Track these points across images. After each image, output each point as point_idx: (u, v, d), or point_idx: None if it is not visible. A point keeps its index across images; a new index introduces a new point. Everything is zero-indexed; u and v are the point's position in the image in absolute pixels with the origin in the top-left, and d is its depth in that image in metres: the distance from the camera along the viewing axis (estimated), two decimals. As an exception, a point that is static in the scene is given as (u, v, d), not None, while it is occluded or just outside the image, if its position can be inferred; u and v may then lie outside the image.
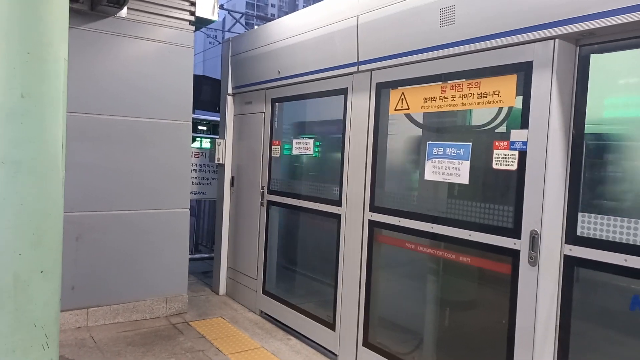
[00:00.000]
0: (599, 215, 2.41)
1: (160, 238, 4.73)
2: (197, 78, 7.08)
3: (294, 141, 4.59)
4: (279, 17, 4.75)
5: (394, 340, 3.61)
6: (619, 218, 2.34)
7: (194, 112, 6.68)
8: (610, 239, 2.35)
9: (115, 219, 4.49)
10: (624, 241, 2.30)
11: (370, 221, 3.63)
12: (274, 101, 4.83)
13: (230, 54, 5.46)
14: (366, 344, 3.66)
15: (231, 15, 20.15)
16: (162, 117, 4.70)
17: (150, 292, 4.69)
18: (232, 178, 5.51)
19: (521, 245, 2.64)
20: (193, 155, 6.09)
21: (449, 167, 3.06)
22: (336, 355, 3.93)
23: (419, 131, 3.48)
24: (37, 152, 2.89)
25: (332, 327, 3.98)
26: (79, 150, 4.26)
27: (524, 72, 2.66)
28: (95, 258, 4.40)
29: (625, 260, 2.28)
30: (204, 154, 6.21)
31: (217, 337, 4.28)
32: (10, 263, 2.82)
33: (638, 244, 2.25)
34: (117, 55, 4.46)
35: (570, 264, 2.52)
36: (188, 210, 4.89)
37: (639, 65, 2.40)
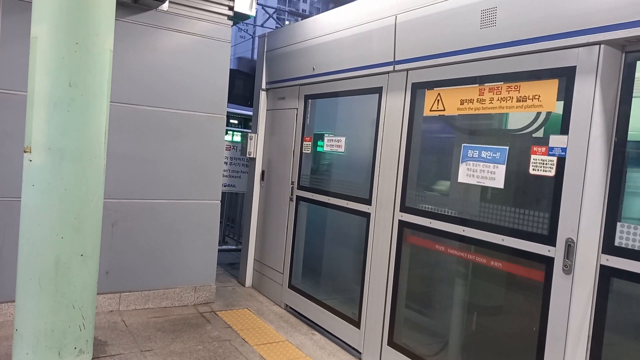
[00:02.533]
0: (639, 226, 2.36)
1: (191, 228, 4.83)
2: (230, 72, 7.17)
3: (326, 138, 4.62)
4: (310, 13, 4.79)
5: (419, 342, 3.61)
6: (660, 230, 2.28)
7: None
8: (650, 251, 2.30)
9: (148, 207, 4.62)
10: (664, 254, 2.25)
11: (400, 221, 3.63)
12: (307, 98, 4.86)
13: (265, 49, 5.51)
14: (391, 343, 3.67)
15: (265, 10, 20.27)
16: (197, 110, 4.79)
17: (179, 281, 4.81)
18: (263, 172, 5.58)
19: (556, 252, 2.60)
20: (225, 149, 6.18)
21: (483, 170, 3.04)
22: (360, 352, 3.96)
23: (453, 133, 3.45)
24: (81, 140, 3.01)
25: (357, 324, 4.01)
26: (117, 140, 4.39)
27: (566, 77, 2.61)
28: (129, 244, 4.53)
29: (665, 273, 2.23)
30: (234, 147, 6.30)
31: (243, 328, 4.35)
32: (53, 246, 2.95)
33: (680, 257, 2.20)
34: (156, 47, 4.56)
35: (606, 274, 2.47)
36: (219, 202, 4.98)
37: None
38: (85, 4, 2.98)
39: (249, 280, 5.67)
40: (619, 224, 2.44)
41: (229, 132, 6.96)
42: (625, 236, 2.41)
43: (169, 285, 4.75)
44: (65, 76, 2.93)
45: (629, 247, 2.38)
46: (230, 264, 6.50)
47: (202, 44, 4.78)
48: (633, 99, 2.44)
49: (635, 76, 2.45)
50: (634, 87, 2.45)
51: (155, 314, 4.50)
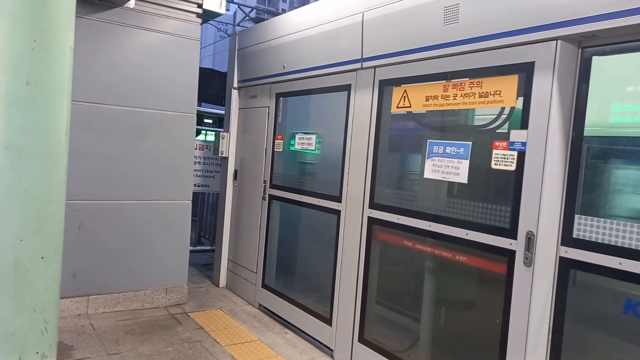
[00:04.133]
0: (595, 218, 2.41)
1: (161, 229, 4.77)
2: (204, 71, 7.10)
3: (297, 136, 4.61)
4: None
5: (389, 338, 3.63)
6: (614, 221, 2.33)
7: (200, 105, 6.71)
8: (606, 242, 2.35)
9: (117, 208, 4.54)
10: (619, 244, 2.30)
11: (369, 218, 3.65)
12: (278, 96, 4.85)
13: (236, 48, 5.48)
14: (362, 340, 3.67)
15: (241, 9, 20.17)
16: (166, 109, 4.73)
17: (150, 282, 4.74)
18: (235, 171, 5.54)
19: (517, 245, 2.64)
20: (197, 148, 6.12)
21: (448, 166, 3.06)
22: (332, 350, 3.96)
23: (420, 129, 3.48)
24: (41, 139, 2.93)
25: (328, 322, 4.01)
26: (83, 139, 4.30)
27: (525, 72, 2.65)
28: (97, 246, 4.45)
29: (620, 263, 2.28)
30: (208, 147, 6.24)
31: (215, 329, 4.31)
32: (12, 248, 2.86)
33: (633, 247, 2.25)
34: (123, 45, 4.49)
35: (565, 266, 2.52)
36: (190, 202, 4.92)
37: (641, 68, 2.39)
38: (44, 0, 2.91)
39: (222, 281, 5.62)
40: (576, 216, 2.49)
41: (202, 131, 6.89)
42: (583, 228, 2.46)
43: (139, 287, 4.68)
44: (23, 74, 2.85)
45: (587, 238, 2.43)
46: (205, 264, 6.44)
47: (171, 42, 4.72)
48: (589, 93, 2.49)
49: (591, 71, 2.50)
50: (591, 83, 2.49)
51: (125, 317, 4.42)
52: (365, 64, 3.70)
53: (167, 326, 4.30)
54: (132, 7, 4.48)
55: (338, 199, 3.95)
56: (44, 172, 2.96)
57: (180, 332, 4.19)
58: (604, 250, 2.35)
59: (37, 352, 3.00)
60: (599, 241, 2.38)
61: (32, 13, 2.88)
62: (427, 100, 3.23)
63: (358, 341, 3.70)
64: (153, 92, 4.65)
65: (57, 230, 3.09)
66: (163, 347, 3.84)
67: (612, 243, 2.32)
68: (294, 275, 4.97)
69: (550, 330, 2.57)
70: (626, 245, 2.28)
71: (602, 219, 2.39)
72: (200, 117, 7.28)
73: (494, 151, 2.78)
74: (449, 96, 3.09)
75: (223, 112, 6.15)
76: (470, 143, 2.95)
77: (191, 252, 5.72)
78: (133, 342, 3.89)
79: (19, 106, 2.85)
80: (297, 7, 4.60)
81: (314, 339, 4.17)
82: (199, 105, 6.16)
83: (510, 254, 2.67)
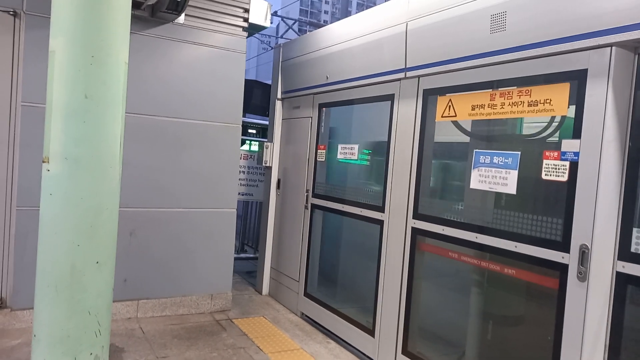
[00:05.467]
0: (656, 232, 2.28)
1: (207, 237, 4.89)
2: (248, 82, 7.27)
3: (340, 146, 4.63)
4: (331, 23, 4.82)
5: (433, 351, 3.55)
6: (677, 235, 2.20)
7: (244, 116, 6.86)
8: (668, 258, 2.22)
9: (165, 216, 4.69)
10: (682, 260, 2.17)
11: (413, 228, 3.60)
12: (321, 106, 4.89)
13: (280, 60, 5.58)
14: (405, 352, 3.62)
15: (284, 22, 20.52)
16: (212, 120, 4.86)
17: (196, 289, 4.86)
18: (279, 181, 5.61)
19: (570, 259, 2.53)
20: (242, 158, 6.25)
21: (495, 176, 2.99)
22: (374, 361, 3.92)
23: (466, 139, 3.42)
24: (97, 149, 3.08)
25: (371, 333, 3.97)
26: (134, 150, 4.48)
27: (577, 80, 2.56)
28: (146, 253, 4.61)
29: (684, 280, 2.15)
30: (252, 157, 6.36)
31: (258, 336, 4.36)
32: (68, 253, 3.02)
33: (699, 264, 2.11)
34: (172, 59, 4.66)
35: (622, 282, 2.40)
36: (235, 210, 5.02)
37: None
38: (100, 18, 3.07)
39: (265, 289, 5.68)
40: (635, 229, 2.36)
41: (246, 141, 7.04)
42: (641, 242, 2.33)
43: (185, 293, 4.80)
44: (81, 88, 3.02)
45: (646, 253, 2.31)
46: (248, 272, 6.54)
47: (217, 55, 4.86)
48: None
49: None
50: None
51: (172, 322, 4.55)
52: (409, 74, 3.68)
53: (212, 332, 4.38)
54: (181, 22, 4.66)
55: (381, 209, 3.93)
56: (99, 181, 3.11)
57: (224, 338, 4.26)
58: (665, 266, 2.22)
59: (91, 354, 3.13)
60: (660, 256, 2.25)
61: (90, 29, 3.04)
62: (472, 109, 3.17)
63: (402, 353, 3.64)
64: (199, 104, 4.79)
65: (111, 237, 3.23)
66: (208, 352, 3.92)
67: (675, 259, 2.19)
68: (336, 284, 4.96)
69: (607, 349, 2.44)
70: (691, 262, 2.14)
71: (663, 233, 2.26)
72: (245, 127, 7.43)
73: (545, 161, 2.69)
74: (496, 105, 3.02)
75: (267, 122, 6.26)
76: (519, 153, 2.87)
77: (235, 259, 5.82)
78: (180, 347, 3.99)
79: (77, 118, 3.02)
80: (338, 19, 4.64)
81: (357, 349, 4.14)
82: (244, 116, 6.30)
83: (563, 268, 2.57)
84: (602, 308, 2.44)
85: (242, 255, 7.28)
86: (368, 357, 4.00)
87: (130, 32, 3.27)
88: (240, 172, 6.15)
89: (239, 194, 6.21)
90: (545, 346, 2.64)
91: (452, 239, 3.28)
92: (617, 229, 2.43)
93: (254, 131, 7.92)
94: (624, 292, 2.40)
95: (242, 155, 6.24)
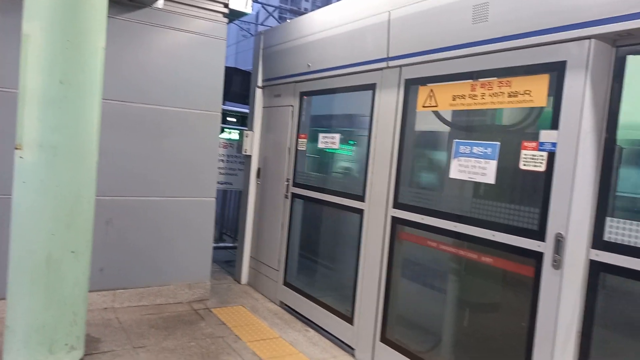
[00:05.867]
0: (628, 221, 2.35)
1: (185, 226, 4.84)
2: (228, 70, 7.17)
3: (321, 135, 4.62)
4: (312, 11, 4.78)
5: (411, 338, 3.61)
6: (649, 225, 2.28)
7: (224, 104, 6.77)
8: (639, 245, 2.29)
9: (143, 204, 4.62)
10: (653, 249, 2.24)
11: (393, 217, 3.63)
12: (302, 95, 4.86)
13: (261, 47, 5.51)
14: (384, 339, 3.66)
15: (265, 8, 20.27)
16: (192, 107, 4.79)
17: (174, 278, 4.81)
18: (259, 170, 5.58)
19: (545, 247, 2.60)
20: (221, 146, 6.18)
21: (475, 166, 3.03)
22: (353, 349, 3.96)
23: (446, 129, 3.45)
24: (74, 137, 3.01)
25: (350, 321, 4.01)
26: (111, 137, 4.39)
27: (556, 72, 2.60)
28: (123, 242, 4.54)
29: (654, 268, 2.22)
30: (232, 145, 6.30)
31: (236, 325, 4.36)
32: (45, 242, 2.95)
33: (668, 252, 2.19)
34: (150, 44, 4.56)
35: (595, 269, 2.47)
36: (214, 199, 4.98)
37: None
38: (77, 2, 2.98)
39: (244, 278, 5.67)
40: (608, 219, 2.43)
41: (226, 130, 6.96)
42: (614, 231, 2.40)
43: (163, 282, 4.75)
44: (57, 74, 2.93)
45: (619, 242, 2.38)
46: (227, 261, 6.51)
47: (197, 41, 4.78)
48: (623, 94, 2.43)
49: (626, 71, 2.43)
50: (625, 82, 2.43)
51: (149, 311, 4.50)
52: (391, 63, 3.68)
53: (191, 321, 4.36)
54: (160, 7, 4.55)
55: (361, 198, 3.94)
56: (76, 169, 3.04)
57: (203, 327, 4.25)
58: (636, 254, 2.29)
59: (66, 344, 3.08)
60: (632, 244, 2.32)
61: (66, 15, 2.95)
62: (454, 99, 3.20)
63: (380, 341, 3.69)
64: (179, 91, 4.71)
65: (87, 226, 3.16)
66: (186, 342, 3.90)
67: (646, 247, 2.27)
68: (316, 273, 4.98)
69: (579, 335, 2.52)
70: (661, 250, 2.22)
71: (634, 222, 2.33)
72: (224, 115, 7.35)
73: (523, 151, 2.74)
74: (476, 95, 3.05)
75: (247, 110, 6.20)
76: (499, 143, 2.91)
77: (213, 248, 5.78)
78: (157, 336, 3.96)
79: (52, 105, 2.93)
80: (319, 7, 4.61)
81: (336, 337, 4.18)
82: (223, 103, 6.22)
83: (538, 256, 2.63)
84: (575, 295, 2.52)
85: (221, 244, 7.24)
86: (347, 344, 4.04)
87: (108, 17, 3.18)
88: (219, 160, 6.09)
89: (218, 182, 6.16)
90: (520, 332, 2.71)
91: (431, 228, 3.32)
92: (591, 218, 2.49)
93: (234, 119, 7.84)
94: (597, 279, 2.48)
95: (222, 143, 6.17)
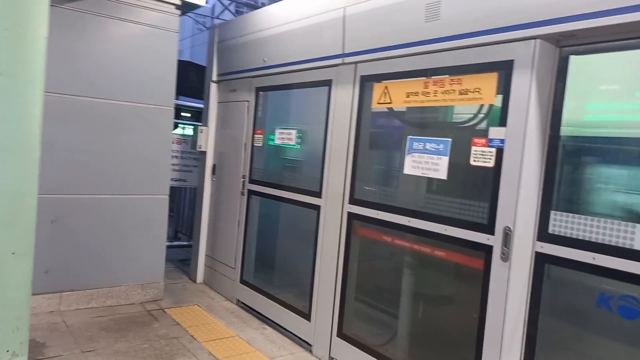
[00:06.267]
0: (570, 214, 2.46)
1: (138, 224, 4.68)
2: (182, 64, 7.00)
3: (277, 131, 4.58)
4: (268, 5, 4.74)
5: (368, 332, 3.65)
6: (588, 217, 2.39)
7: (177, 99, 6.60)
8: (580, 237, 2.41)
9: (92, 202, 4.44)
10: (592, 240, 2.36)
11: (349, 213, 3.65)
12: (258, 90, 4.80)
13: (216, 41, 5.40)
14: (340, 334, 3.69)
15: (220, 1, 19.91)
16: (144, 102, 4.64)
17: (126, 278, 4.65)
18: (214, 166, 5.48)
19: (494, 241, 2.68)
20: (175, 142, 6.03)
21: (428, 162, 3.09)
22: (310, 345, 3.96)
23: (401, 126, 3.50)
24: (13, 130, 2.84)
25: (307, 317, 4.01)
26: (59, 132, 4.19)
27: (505, 70, 2.69)
28: (71, 242, 4.34)
29: (594, 258, 2.34)
30: (186, 141, 6.15)
31: (192, 325, 4.27)
32: (-19, 243, 2.77)
33: (606, 242, 2.31)
34: (99, 36, 4.38)
35: (541, 261, 2.57)
36: (167, 196, 4.85)
37: (618, 68, 2.44)
38: (15, -13, 2.81)
39: (200, 277, 5.56)
40: (552, 212, 2.54)
41: (180, 125, 6.79)
42: (558, 224, 2.51)
43: (114, 283, 4.59)
44: (-6, 63, 2.75)
45: (562, 234, 2.48)
46: (182, 260, 6.36)
47: (149, 33, 4.63)
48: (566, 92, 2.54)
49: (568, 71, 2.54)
50: (567, 82, 2.54)
51: (99, 313, 4.33)
52: (347, 60, 3.69)
53: (143, 322, 4.23)
54: (108, -4, 4.37)
55: (318, 195, 3.95)
56: (16, 165, 2.87)
57: (156, 328, 4.13)
58: (578, 246, 2.41)
59: (8, 351, 2.92)
60: (574, 237, 2.43)
61: (3, 1, 2.78)
62: (407, 96, 3.25)
63: (337, 336, 3.71)
64: (130, 85, 4.55)
65: (29, 226, 3.00)
66: (139, 344, 3.78)
67: (586, 238, 2.38)
68: (273, 270, 4.95)
69: (526, 323, 2.62)
70: (599, 241, 2.33)
71: (576, 215, 2.44)
72: (178, 110, 7.17)
73: (473, 148, 2.82)
74: (429, 93, 3.11)
75: (201, 105, 6.07)
76: (450, 140, 2.98)
77: (168, 247, 5.64)
78: (108, 339, 3.82)
79: (-11, 96, 2.75)
80: (276, 1, 4.56)
81: (293, 334, 4.17)
82: (177, 98, 6.06)
83: (488, 250, 2.71)
84: (522, 286, 2.62)
85: (176, 242, 7.07)
86: (304, 341, 4.04)
87: (54, 6, 3.03)
88: (173, 157, 5.93)
89: (172, 179, 6.00)
90: (471, 323, 2.79)
91: (386, 223, 3.36)
92: (537, 211, 2.60)
93: (188, 115, 7.66)
94: (542, 270, 2.58)
95: (175, 139, 6.01)
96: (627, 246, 2.24)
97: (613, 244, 2.29)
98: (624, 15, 2.19)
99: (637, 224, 2.23)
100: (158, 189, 4.78)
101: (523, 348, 2.63)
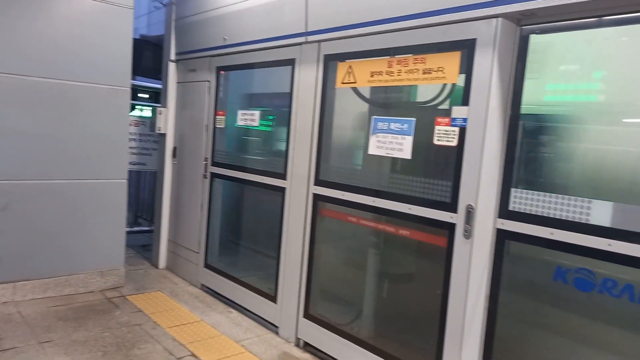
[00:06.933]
0: (529, 191, 2.52)
1: (96, 209, 4.51)
2: (138, 42, 6.72)
3: (240, 112, 4.48)
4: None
5: (334, 311, 3.67)
6: (547, 194, 2.46)
7: (134, 79, 6.35)
8: (539, 214, 2.47)
9: (47, 188, 4.23)
10: (550, 215, 2.43)
11: (314, 194, 3.63)
12: (219, 69, 4.67)
13: (173, 18, 5.20)
14: (307, 315, 3.70)
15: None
16: (98, 82, 4.43)
17: (84, 266, 4.49)
18: (174, 149, 5.32)
19: (457, 219, 2.72)
20: (132, 124, 5.82)
21: (392, 142, 3.09)
22: (277, 327, 3.96)
23: (365, 106, 3.48)
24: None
25: (273, 299, 3.99)
26: (7, 115, 3.95)
27: (467, 49, 2.70)
28: (25, 229, 4.14)
29: (551, 233, 2.41)
30: (144, 123, 5.94)
31: (155, 311, 4.18)
32: None
33: (563, 218, 2.38)
34: (48, 12, 4.12)
35: (501, 237, 2.64)
36: (126, 180, 4.68)
37: (577, 47, 2.49)
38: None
39: (162, 262, 5.44)
40: (512, 189, 2.59)
41: (137, 106, 6.55)
42: (518, 201, 2.57)
43: (72, 271, 4.42)
44: None
45: (521, 211, 2.55)
46: (143, 245, 6.21)
47: (101, 9, 4.39)
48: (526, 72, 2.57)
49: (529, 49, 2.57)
50: (527, 61, 2.57)
51: (57, 303, 4.18)
52: (310, 38, 3.63)
53: (104, 310, 4.11)
54: (55, -32, 4.11)
55: (283, 176, 3.90)
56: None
57: (117, 316, 4.02)
58: (537, 222, 2.47)
59: (-43, 344, 2.77)
60: (533, 213, 2.50)
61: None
62: (372, 76, 3.23)
63: (303, 317, 3.72)
64: (83, 64, 4.32)
65: (-24, 212, 2.83)
66: (99, 332, 3.67)
67: (545, 214, 2.45)
68: (238, 253, 4.90)
69: (487, 298, 2.69)
70: (557, 216, 2.40)
71: (535, 192, 2.51)
72: (135, 91, 6.91)
73: (437, 127, 2.83)
74: (393, 72, 3.09)
75: (159, 86, 5.86)
76: (414, 119, 2.99)
77: (128, 233, 5.48)
78: (66, 329, 3.69)
79: None
80: (237, -23, 4.40)
81: (259, 316, 4.15)
82: (133, 78, 5.82)
83: (451, 227, 2.75)
84: (484, 262, 2.68)
85: (136, 228, 6.89)
86: (270, 323, 4.03)
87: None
88: (131, 139, 5.73)
89: (131, 163, 5.81)
90: (435, 299, 2.85)
91: (351, 204, 3.36)
92: (498, 189, 2.65)
93: (146, 95, 7.39)
94: (502, 246, 2.65)
95: (133, 121, 5.80)
96: (584, 221, 2.31)
97: (570, 219, 2.36)
98: (582, -6, 2.22)
99: (592, 200, 2.30)
100: (116, 173, 4.60)
101: (484, 322, 2.70)
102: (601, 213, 2.28)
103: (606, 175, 2.42)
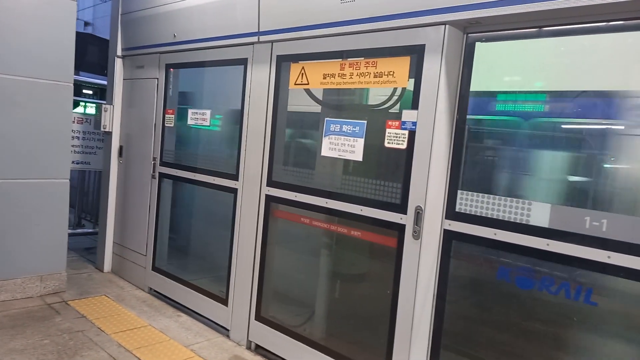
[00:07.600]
0: (475, 193, 2.62)
1: (35, 210, 4.28)
2: (82, 37, 6.44)
3: (190, 111, 4.38)
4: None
5: (286, 313, 3.66)
6: (491, 195, 2.56)
7: (78, 74, 6.08)
8: (484, 215, 2.57)
9: (-22, 188, 3.97)
10: (494, 217, 2.53)
11: (267, 196, 3.61)
12: (168, 67, 4.55)
13: (120, 12, 5.01)
14: (259, 317, 3.66)
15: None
16: (38, 77, 4.20)
17: (21, 270, 4.25)
18: (121, 147, 5.13)
19: (407, 220, 2.78)
20: (76, 122, 5.56)
21: (344, 144, 3.12)
22: (228, 330, 3.90)
23: (318, 107, 3.49)
24: None
25: (224, 302, 3.93)
26: None
27: (417, 54, 2.76)
28: (-48, 232, 3.87)
29: (495, 234, 2.51)
30: (88, 121, 5.69)
31: (99, 317, 4.01)
32: None
33: (506, 219, 2.49)
34: (-20, 0, 3.86)
35: (448, 238, 2.72)
36: (68, 180, 4.46)
37: (519, 57, 2.61)
38: None
39: (107, 265, 5.24)
40: (459, 191, 2.68)
41: (81, 103, 6.27)
42: (464, 202, 2.66)
43: (7, 276, 4.17)
44: None
45: (467, 212, 2.64)
46: (87, 248, 5.95)
47: (43, 1, 4.16)
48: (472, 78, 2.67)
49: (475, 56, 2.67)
50: (473, 68, 2.67)
51: (-9, 310, 3.93)
52: (263, 38, 3.60)
53: (43, 317, 3.90)
54: (-10, -45, 3.86)
55: (235, 177, 3.85)
56: None
57: (58, 322, 3.83)
58: (481, 223, 2.57)
59: None
60: (478, 214, 2.59)
61: None
62: (324, 78, 3.24)
63: (255, 319, 3.68)
64: (21, 57, 4.08)
65: None
66: (38, 340, 3.48)
67: (489, 216, 2.55)
68: (188, 256, 4.79)
69: (435, 297, 2.77)
70: (500, 217, 2.51)
71: (480, 194, 2.60)
72: (79, 87, 6.61)
73: (387, 130, 2.88)
74: (345, 75, 3.12)
75: (105, 82, 5.64)
76: (366, 122, 3.03)
77: (70, 235, 5.24)
78: (2, 337, 3.47)
79: None
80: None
81: (210, 320, 4.07)
82: (77, 74, 5.57)
83: (401, 228, 2.81)
84: (432, 261, 2.75)
85: (79, 230, 6.59)
86: (221, 326, 3.96)
87: None
88: (74, 137, 5.47)
89: (73, 162, 5.55)
90: (385, 299, 2.90)
91: (304, 205, 3.36)
92: (445, 191, 2.73)
93: (90, 92, 7.08)
94: (449, 246, 2.73)
95: (76, 119, 5.55)
96: (524, 222, 2.43)
97: (512, 220, 2.47)
98: (524, 4, 2.32)
99: (532, 202, 2.42)
100: (57, 173, 4.38)
101: (432, 319, 2.77)
102: (540, 214, 2.40)
103: (545, 178, 2.55)
